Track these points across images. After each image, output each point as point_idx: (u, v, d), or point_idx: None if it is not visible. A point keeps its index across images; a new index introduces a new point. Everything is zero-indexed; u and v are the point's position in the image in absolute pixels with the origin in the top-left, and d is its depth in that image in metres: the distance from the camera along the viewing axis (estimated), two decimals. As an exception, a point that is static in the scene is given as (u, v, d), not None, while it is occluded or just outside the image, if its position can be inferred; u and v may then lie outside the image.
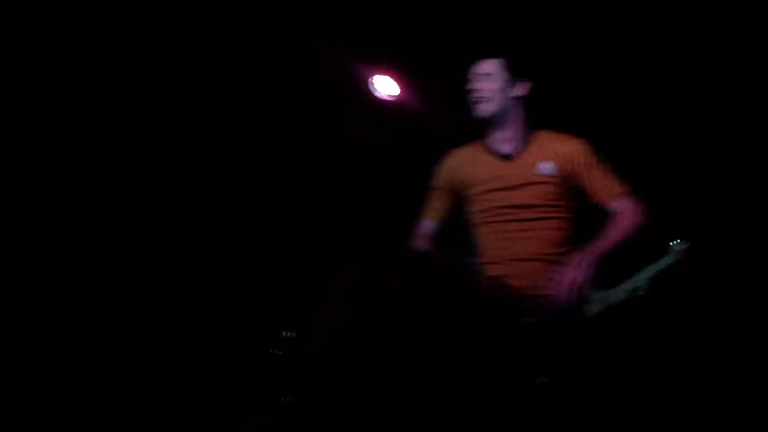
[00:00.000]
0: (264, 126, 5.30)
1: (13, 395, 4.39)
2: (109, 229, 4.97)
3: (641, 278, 2.81)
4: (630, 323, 2.95)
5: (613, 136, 3.76)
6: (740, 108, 4.52)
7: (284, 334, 4.74)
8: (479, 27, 4.54)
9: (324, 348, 1.58)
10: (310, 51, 4.98)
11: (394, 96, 5.26)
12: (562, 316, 2.79)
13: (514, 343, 2.68)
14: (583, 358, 2.78)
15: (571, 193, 3.01)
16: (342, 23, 4.84)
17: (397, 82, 5.25)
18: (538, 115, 3.07)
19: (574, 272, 2.75)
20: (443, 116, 5.15)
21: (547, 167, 2.96)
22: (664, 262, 2.81)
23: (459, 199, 3.14)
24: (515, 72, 3.01)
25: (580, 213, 3.06)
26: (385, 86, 5.25)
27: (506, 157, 3.03)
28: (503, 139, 3.04)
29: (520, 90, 3.03)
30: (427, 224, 3.21)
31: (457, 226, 3.24)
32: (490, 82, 2.99)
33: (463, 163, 3.11)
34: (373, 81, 5.24)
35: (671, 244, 2.81)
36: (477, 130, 3.11)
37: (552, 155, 2.98)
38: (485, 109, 3.00)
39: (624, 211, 2.95)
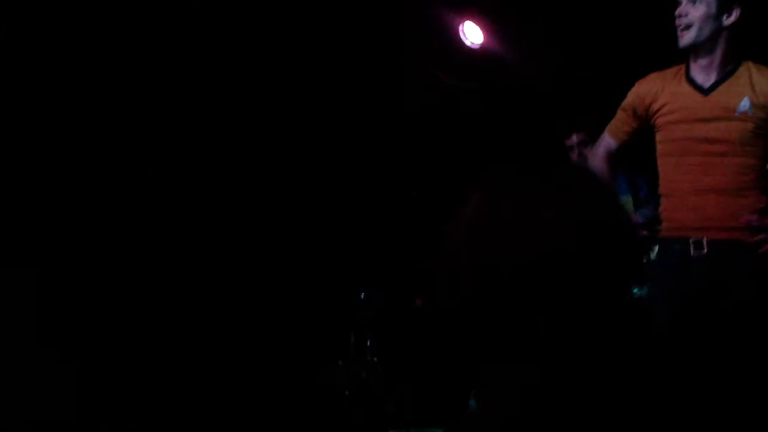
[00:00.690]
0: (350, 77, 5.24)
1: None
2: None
3: None
4: None
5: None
6: None
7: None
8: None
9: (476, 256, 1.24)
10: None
11: (480, 43, 5.22)
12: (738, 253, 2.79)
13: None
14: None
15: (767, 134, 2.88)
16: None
17: (483, 30, 5.20)
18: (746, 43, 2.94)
19: None
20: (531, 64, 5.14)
21: (746, 104, 2.84)
22: None
23: (646, 123, 3.04)
24: None
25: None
26: (472, 33, 5.20)
27: (704, 89, 2.91)
28: (704, 70, 2.91)
29: (730, 17, 2.85)
30: (608, 142, 3.13)
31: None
32: (699, 8, 2.83)
33: (658, 89, 2.98)
34: (463, 28, 5.19)
35: None
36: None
37: (754, 91, 2.85)
38: (690, 37, 2.86)
39: None
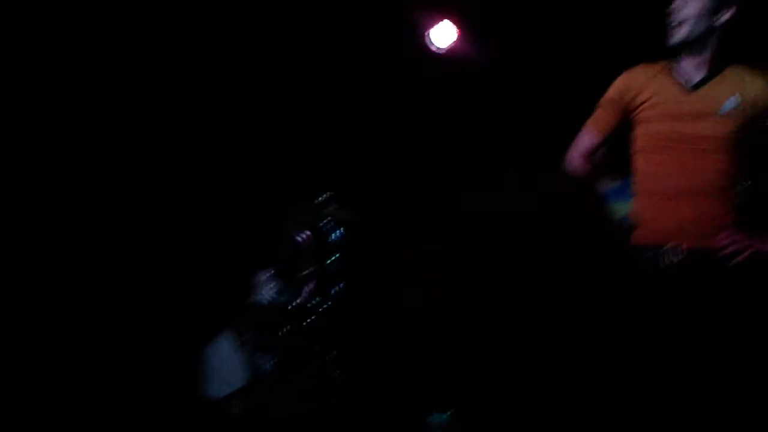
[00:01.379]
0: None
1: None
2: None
3: None
4: None
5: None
6: None
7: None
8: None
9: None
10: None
11: (451, 45, 5.16)
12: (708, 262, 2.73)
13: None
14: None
15: (751, 135, 2.80)
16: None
17: (456, 30, 5.15)
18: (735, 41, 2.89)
19: (751, 244, 2.69)
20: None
21: (731, 103, 2.78)
22: None
23: (627, 118, 2.94)
24: None
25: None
26: (443, 35, 5.14)
27: (691, 86, 2.84)
28: (692, 67, 2.85)
29: (723, 16, 2.80)
30: (589, 137, 3.02)
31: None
32: (694, 4, 2.78)
33: (643, 83, 2.90)
34: (430, 32, 5.13)
35: None
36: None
37: (741, 92, 2.80)
38: (683, 33, 2.80)
39: None
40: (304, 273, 4.75)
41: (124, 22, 4.64)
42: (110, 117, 5.01)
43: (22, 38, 4.61)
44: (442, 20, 5.11)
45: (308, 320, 4.50)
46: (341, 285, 4.58)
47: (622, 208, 3.91)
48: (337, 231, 4.66)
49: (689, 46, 2.83)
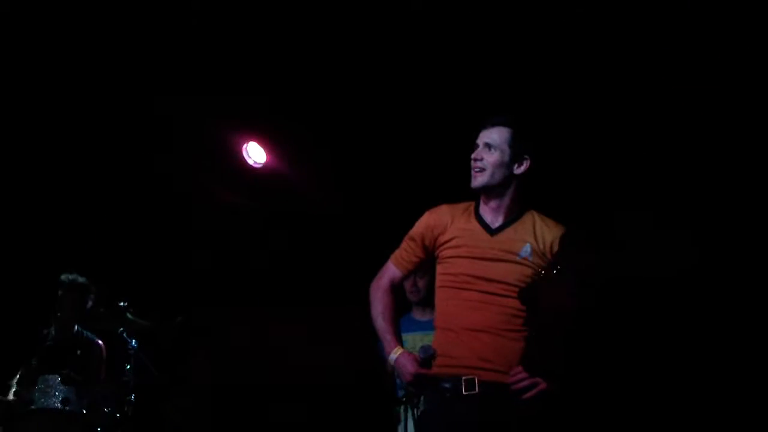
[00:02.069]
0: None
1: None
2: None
3: None
4: None
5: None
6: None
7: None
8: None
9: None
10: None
11: (263, 162, 5.26)
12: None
13: None
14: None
15: (539, 280, 2.95)
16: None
17: (266, 149, 5.26)
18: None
19: (538, 382, 2.83)
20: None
21: (527, 250, 2.95)
22: None
23: (431, 254, 3.07)
24: (521, 147, 2.98)
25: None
26: (255, 153, 5.24)
27: (492, 229, 3.00)
28: (493, 211, 3.02)
29: (521, 167, 3.00)
30: (393, 272, 3.13)
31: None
32: (493, 154, 2.97)
33: (448, 221, 3.03)
34: (246, 148, 5.22)
35: None
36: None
37: (536, 239, 2.98)
38: (483, 179, 2.98)
39: None
40: (96, 380, 4.56)
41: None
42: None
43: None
44: (253, 139, 5.23)
45: (97, 430, 4.29)
46: (132, 396, 4.42)
47: (412, 340, 4.04)
48: (132, 341, 4.53)
49: (490, 191, 3.01)
